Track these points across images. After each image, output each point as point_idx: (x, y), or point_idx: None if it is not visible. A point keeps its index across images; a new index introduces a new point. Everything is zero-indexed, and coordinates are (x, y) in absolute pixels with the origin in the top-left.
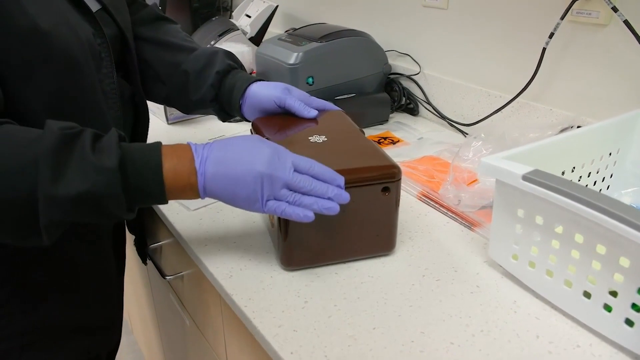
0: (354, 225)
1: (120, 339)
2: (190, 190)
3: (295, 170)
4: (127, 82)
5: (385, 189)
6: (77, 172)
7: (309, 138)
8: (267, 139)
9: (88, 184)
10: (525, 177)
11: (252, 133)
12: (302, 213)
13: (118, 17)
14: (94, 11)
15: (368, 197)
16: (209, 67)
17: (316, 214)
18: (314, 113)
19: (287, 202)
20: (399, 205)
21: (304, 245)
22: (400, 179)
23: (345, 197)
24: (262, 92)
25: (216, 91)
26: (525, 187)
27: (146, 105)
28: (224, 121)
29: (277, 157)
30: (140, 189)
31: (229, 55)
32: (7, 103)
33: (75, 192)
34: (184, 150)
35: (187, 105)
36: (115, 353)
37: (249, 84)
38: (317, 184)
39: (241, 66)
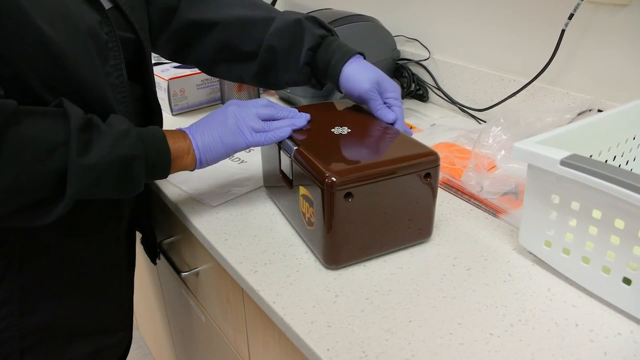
0: (397, 215)
1: (130, 343)
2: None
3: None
4: (140, 84)
5: (427, 175)
6: (102, 143)
7: (332, 130)
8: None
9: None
10: (563, 162)
11: None
12: (282, 133)
13: (132, 16)
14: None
15: (411, 185)
16: (297, 42)
17: (361, 207)
18: (390, 117)
19: (265, 132)
20: (437, 191)
21: (349, 241)
22: (439, 165)
23: (305, 115)
24: (355, 81)
25: (310, 68)
26: (563, 172)
27: (159, 108)
28: (320, 89)
29: (240, 105)
30: (151, 158)
31: (315, 22)
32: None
33: (101, 159)
34: (177, 132)
35: (276, 84)
36: (126, 356)
37: (343, 66)
38: (282, 111)
39: (328, 29)
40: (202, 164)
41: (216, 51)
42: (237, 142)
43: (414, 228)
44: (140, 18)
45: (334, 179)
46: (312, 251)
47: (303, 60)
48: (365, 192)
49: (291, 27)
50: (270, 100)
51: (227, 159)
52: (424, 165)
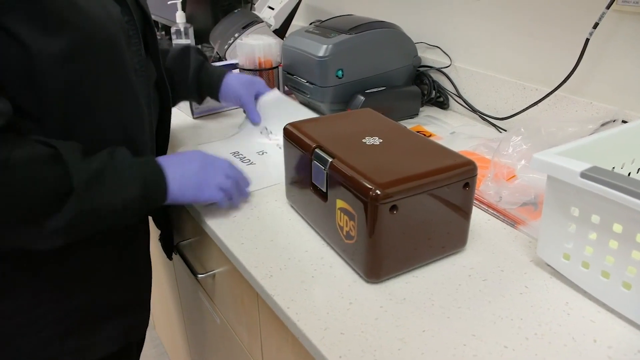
0: (436, 226)
1: (148, 324)
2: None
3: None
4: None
5: (466, 185)
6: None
7: (363, 141)
8: (318, 144)
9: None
10: (583, 174)
11: (285, 138)
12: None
13: (141, 1)
14: None
15: (451, 195)
16: (186, 64)
17: (404, 219)
18: (257, 119)
19: (227, 195)
20: (473, 201)
21: (391, 254)
22: (477, 174)
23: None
24: (231, 91)
25: (197, 85)
26: (583, 185)
27: (169, 91)
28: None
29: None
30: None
31: (195, 50)
32: (49, 90)
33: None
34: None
35: (173, 100)
36: (143, 341)
37: (221, 81)
38: (241, 179)
39: (206, 56)
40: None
41: None
42: (198, 197)
43: (451, 238)
44: (146, 3)
45: (379, 192)
46: (349, 264)
47: (191, 77)
48: (409, 204)
49: (179, 52)
50: (232, 165)
51: (237, 159)
52: (464, 175)
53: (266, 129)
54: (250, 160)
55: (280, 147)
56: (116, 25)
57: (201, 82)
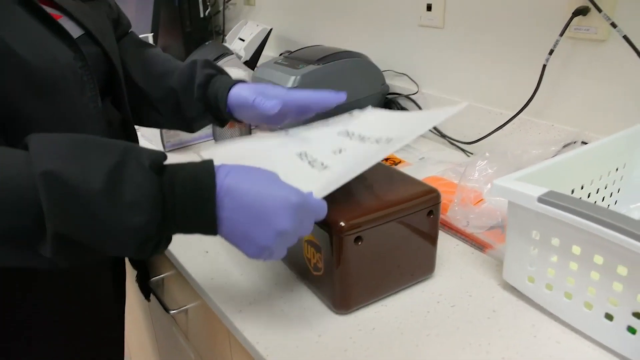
0: (403, 254)
1: None
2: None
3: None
4: (115, 108)
5: (430, 213)
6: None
7: None
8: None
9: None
10: (540, 199)
11: None
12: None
13: (104, 42)
14: (75, 37)
15: (416, 224)
16: (190, 81)
17: (370, 250)
18: (269, 104)
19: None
20: (438, 228)
21: (359, 284)
22: (441, 202)
23: None
24: (242, 95)
25: (204, 104)
26: (541, 209)
27: (136, 133)
28: (222, 126)
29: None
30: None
31: (207, 63)
32: None
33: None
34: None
35: (187, 124)
36: None
37: (229, 91)
38: None
39: (219, 70)
40: None
41: (132, 100)
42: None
43: (419, 265)
44: (111, 44)
45: (343, 224)
46: (317, 296)
47: (195, 96)
48: (374, 234)
49: (186, 69)
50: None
51: (303, 162)
52: (427, 203)
53: (306, 154)
54: (323, 165)
55: (362, 140)
56: (63, 70)
57: (208, 104)
